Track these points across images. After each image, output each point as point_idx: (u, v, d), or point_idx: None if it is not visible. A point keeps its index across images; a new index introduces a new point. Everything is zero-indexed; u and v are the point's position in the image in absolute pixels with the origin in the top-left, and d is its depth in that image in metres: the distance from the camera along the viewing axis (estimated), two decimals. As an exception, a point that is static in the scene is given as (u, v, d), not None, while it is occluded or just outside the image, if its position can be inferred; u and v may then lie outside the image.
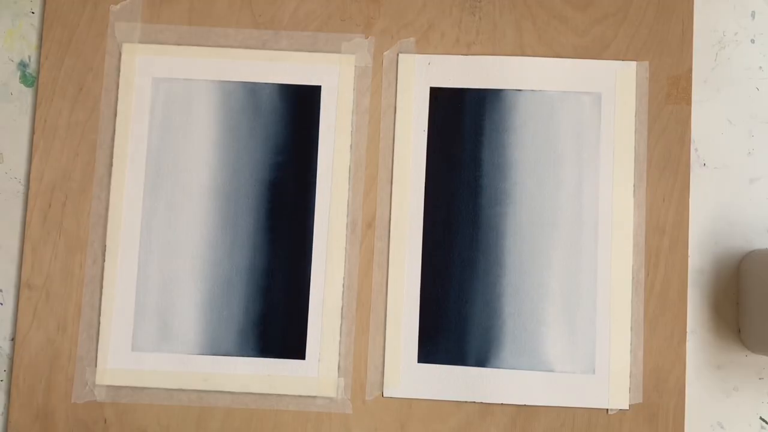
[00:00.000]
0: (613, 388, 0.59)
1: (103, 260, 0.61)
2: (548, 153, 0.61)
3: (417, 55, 0.62)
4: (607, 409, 0.59)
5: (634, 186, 0.60)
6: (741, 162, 0.62)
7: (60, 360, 0.60)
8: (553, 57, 0.62)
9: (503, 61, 0.61)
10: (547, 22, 0.62)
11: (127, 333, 0.60)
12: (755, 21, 0.63)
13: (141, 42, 0.62)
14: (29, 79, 0.63)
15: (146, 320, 0.60)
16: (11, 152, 0.62)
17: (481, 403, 0.59)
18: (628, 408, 0.59)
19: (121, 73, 0.62)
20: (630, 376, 0.59)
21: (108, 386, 0.60)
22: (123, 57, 0.62)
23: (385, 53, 0.62)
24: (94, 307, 0.60)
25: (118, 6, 0.62)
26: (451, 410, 0.59)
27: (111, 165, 0.61)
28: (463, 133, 0.61)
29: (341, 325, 0.60)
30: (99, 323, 0.60)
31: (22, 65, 0.63)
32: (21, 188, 0.62)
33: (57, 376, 0.60)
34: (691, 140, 0.61)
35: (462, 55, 0.62)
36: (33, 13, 0.63)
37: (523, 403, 0.59)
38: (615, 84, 0.61)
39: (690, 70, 0.61)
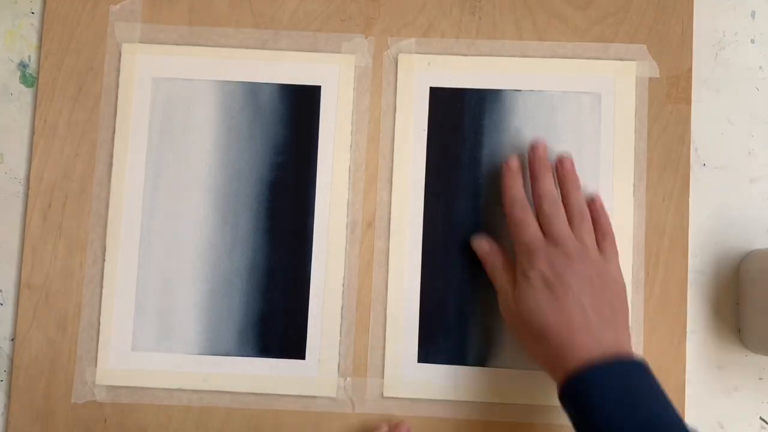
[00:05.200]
0: (613, 388, 0.59)
1: (103, 260, 0.61)
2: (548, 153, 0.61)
3: (417, 55, 0.62)
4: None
5: (634, 186, 0.60)
6: (741, 162, 0.62)
7: (60, 360, 0.60)
8: (553, 57, 0.62)
9: (503, 61, 0.61)
10: (547, 22, 0.62)
11: (127, 333, 0.60)
12: (755, 21, 0.63)
13: (141, 42, 0.62)
14: (29, 79, 0.63)
15: (146, 320, 0.60)
16: (11, 152, 0.62)
17: (481, 402, 0.59)
18: (628, 408, 0.59)
19: (121, 73, 0.62)
20: (630, 376, 0.59)
21: (108, 386, 0.60)
22: (123, 57, 0.62)
23: (385, 53, 0.62)
24: (94, 307, 0.60)
25: (118, 6, 0.62)
26: (451, 410, 0.59)
27: (111, 165, 0.61)
28: (463, 133, 0.61)
29: (341, 325, 0.60)
30: (99, 323, 0.60)
31: (22, 65, 0.63)
32: (21, 188, 0.62)
33: (57, 376, 0.60)
34: (691, 140, 0.61)
35: (462, 55, 0.62)
36: (33, 13, 0.63)
37: (523, 403, 0.59)
38: (615, 84, 0.61)
39: (690, 70, 0.61)
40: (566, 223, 0.55)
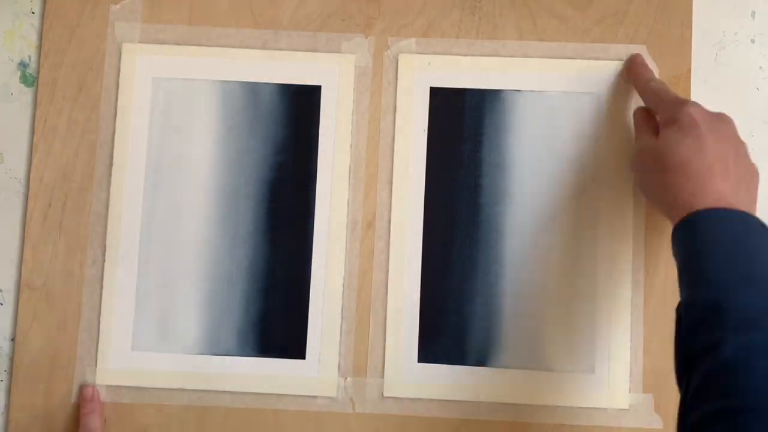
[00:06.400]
0: (613, 388, 0.59)
1: (103, 260, 0.61)
2: (548, 153, 0.61)
3: (417, 55, 0.62)
4: (607, 409, 0.59)
5: (634, 186, 0.60)
6: (741, 162, 0.61)
7: (60, 360, 0.60)
8: (553, 57, 0.61)
9: (503, 62, 0.61)
10: (547, 23, 0.62)
11: (127, 333, 0.60)
12: (755, 21, 0.63)
13: (141, 42, 0.62)
14: (29, 79, 0.63)
15: (146, 320, 0.60)
16: (11, 152, 0.62)
17: (481, 402, 0.59)
18: (627, 408, 0.59)
19: (121, 73, 0.62)
20: (630, 376, 0.59)
21: (108, 386, 0.60)
22: (123, 57, 0.62)
23: (385, 53, 0.62)
24: (94, 307, 0.60)
25: (118, 6, 0.62)
26: (451, 410, 0.59)
27: (111, 165, 0.61)
28: (463, 133, 0.61)
29: (341, 325, 0.60)
30: (99, 323, 0.60)
31: (22, 65, 0.63)
32: (21, 188, 0.62)
33: (57, 376, 0.60)
34: (691, 140, 0.61)
35: (462, 55, 0.62)
36: (33, 13, 0.63)
37: (523, 403, 0.59)
38: (615, 84, 0.61)
39: (690, 71, 0.61)
40: None
